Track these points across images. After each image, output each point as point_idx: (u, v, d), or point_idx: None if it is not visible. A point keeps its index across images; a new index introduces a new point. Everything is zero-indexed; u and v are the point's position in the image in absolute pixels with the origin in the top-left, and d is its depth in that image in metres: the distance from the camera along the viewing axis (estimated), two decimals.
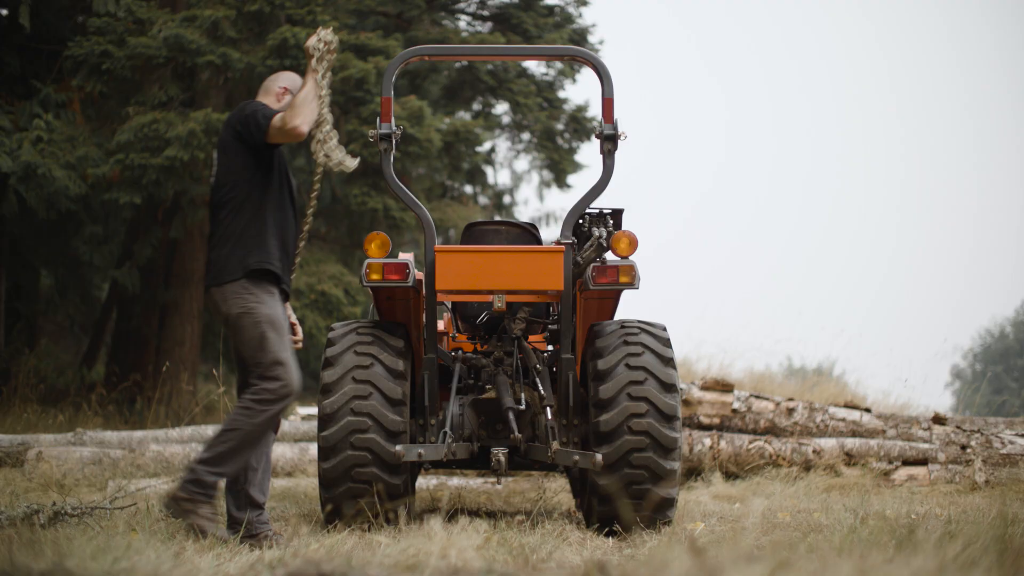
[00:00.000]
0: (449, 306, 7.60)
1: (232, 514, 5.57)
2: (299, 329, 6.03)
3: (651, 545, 5.39)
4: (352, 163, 5.82)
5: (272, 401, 5.42)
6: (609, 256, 6.42)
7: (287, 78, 5.94)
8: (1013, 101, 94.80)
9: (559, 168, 18.11)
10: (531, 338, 7.44)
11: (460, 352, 7.05)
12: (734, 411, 10.72)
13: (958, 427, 10.73)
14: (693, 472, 10.31)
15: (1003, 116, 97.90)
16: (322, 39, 5.70)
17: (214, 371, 11.10)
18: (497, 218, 18.52)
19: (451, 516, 6.44)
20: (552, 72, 17.81)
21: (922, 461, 10.43)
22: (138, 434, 10.55)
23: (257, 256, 5.53)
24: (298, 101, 5.46)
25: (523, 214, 22.99)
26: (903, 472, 10.32)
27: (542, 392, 6.41)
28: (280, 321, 5.54)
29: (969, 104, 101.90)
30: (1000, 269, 77.10)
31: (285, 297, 5.75)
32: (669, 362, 6.20)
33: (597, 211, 6.58)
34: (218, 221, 5.58)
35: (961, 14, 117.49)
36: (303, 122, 5.44)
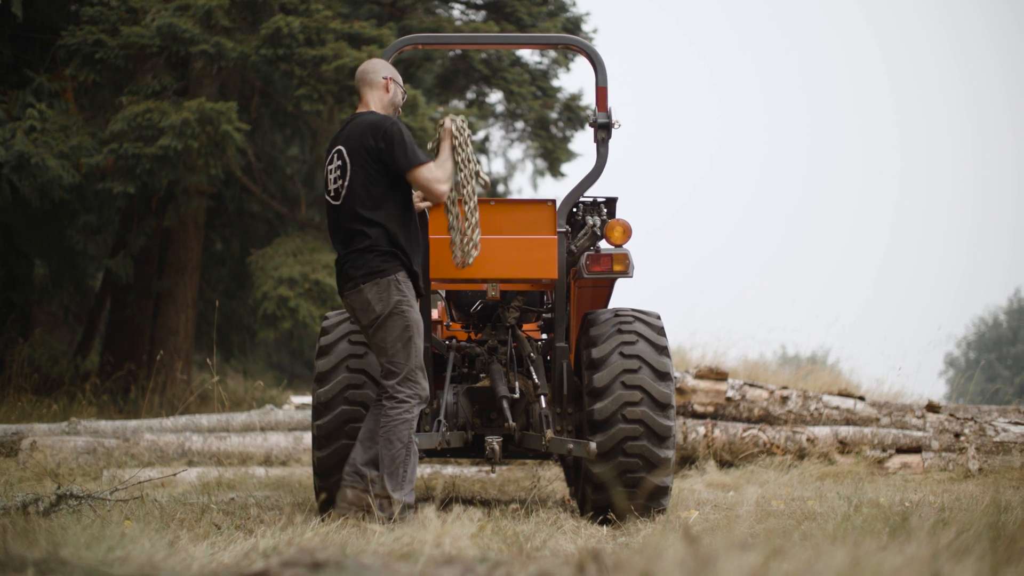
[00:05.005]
0: (443, 295, 7.60)
1: (358, 467, 5.62)
2: None
3: (645, 533, 5.40)
4: (472, 255, 5.94)
5: (414, 403, 5.61)
6: (603, 244, 6.42)
7: (386, 68, 5.93)
8: (1009, 92, 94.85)
9: (553, 157, 18.07)
10: (525, 326, 7.44)
11: (454, 341, 7.05)
12: (728, 399, 10.74)
13: (952, 415, 10.75)
14: (687, 460, 10.33)
15: (998, 106, 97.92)
16: (460, 125, 5.84)
17: (208, 360, 11.09)
18: None
19: (445, 504, 6.45)
20: (546, 61, 17.76)
21: (916, 449, 10.45)
22: (132, 423, 10.54)
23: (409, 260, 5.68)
24: (448, 168, 5.67)
25: None
26: (897, 460, 10.34)
27: (536, 380, 6.42)
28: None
29: (965, 94, 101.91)
30: (994, 258, 77.27)
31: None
32: (663, 350, 6.20)
33: (591, 199, 6.58)
34: (363, 224, 5.57)
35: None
36: (448, 189, 5.69)
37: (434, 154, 5.87)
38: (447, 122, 5.84)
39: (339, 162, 5.66)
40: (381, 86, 5.86)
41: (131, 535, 4.01)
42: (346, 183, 5.61)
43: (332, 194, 5.70)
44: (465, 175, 5.83)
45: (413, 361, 5.60)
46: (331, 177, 5.70)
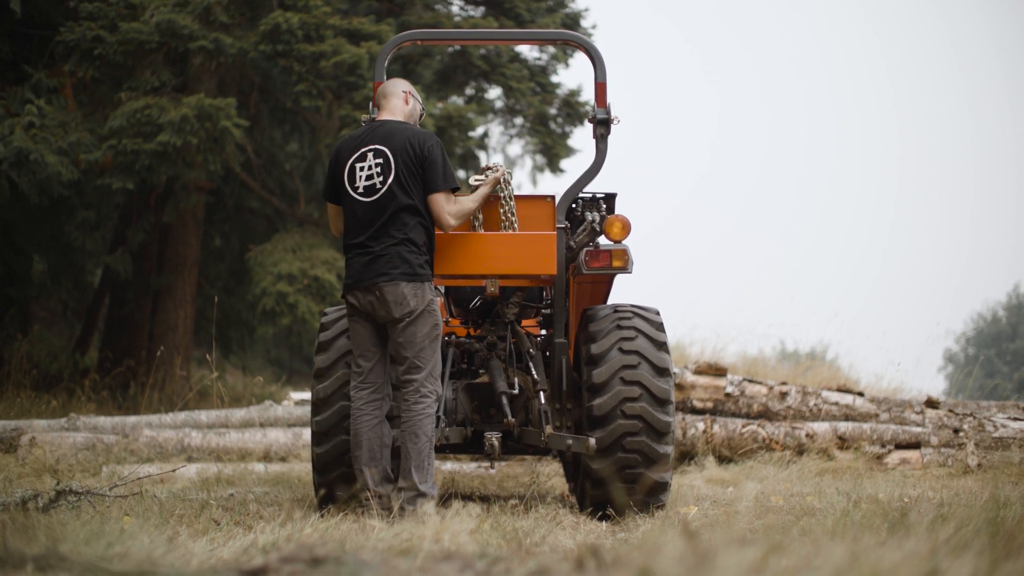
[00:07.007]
0: (442, 291, 7.60)
1: (377, 491, 5.70)
2: None
3: (644, 529, 5.40)
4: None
5: (434, 398, 5.78)
6: (602, 240, 6.42)
7: (405, 83, 6.19)
8: (1008, 88, 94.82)
9: (552, 153, 18.03)
10: (524, 322, 7.44)
11: (453, 337, 7.05)
12: (727, 395, 10.74)
13: (951, 411, 10.76)
14: (686, 456, 10.33)
15: (998, 102, 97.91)
16: (507, 179, 6.28)
17: (207, 356, 11.09)
18: None
19: (444, 500, 6.45)
20: (545, 57, 17.73)
21: (915, 445, 10.46)
22: (131, 419, 10.54)
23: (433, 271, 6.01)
24: (467, 209, 5.96)
25: None
26: (896, 456, 10.34)
27: (535, 376, 6.42)
28: None
29: (965, 90, 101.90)
30: (993, 253, 77.23)
31: None
32: (662, 346, 6.19)
33: (590, 195, 6.57)
34: (403, 224, 5.75)
35: None
36: (455, 226, 5.92)
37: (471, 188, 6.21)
38: (501, 171, 6.20)
39: (379, 160, 5.79)
40: (401, 97, 6.09)
41: (130, 531, 4.01)
42: (389, 181, 5.75)
43: (363, 190, 5.78)
44: (504, 225, 6.27)
45: (436, 359, 5.77)
46: (362, 174, 5.80)
